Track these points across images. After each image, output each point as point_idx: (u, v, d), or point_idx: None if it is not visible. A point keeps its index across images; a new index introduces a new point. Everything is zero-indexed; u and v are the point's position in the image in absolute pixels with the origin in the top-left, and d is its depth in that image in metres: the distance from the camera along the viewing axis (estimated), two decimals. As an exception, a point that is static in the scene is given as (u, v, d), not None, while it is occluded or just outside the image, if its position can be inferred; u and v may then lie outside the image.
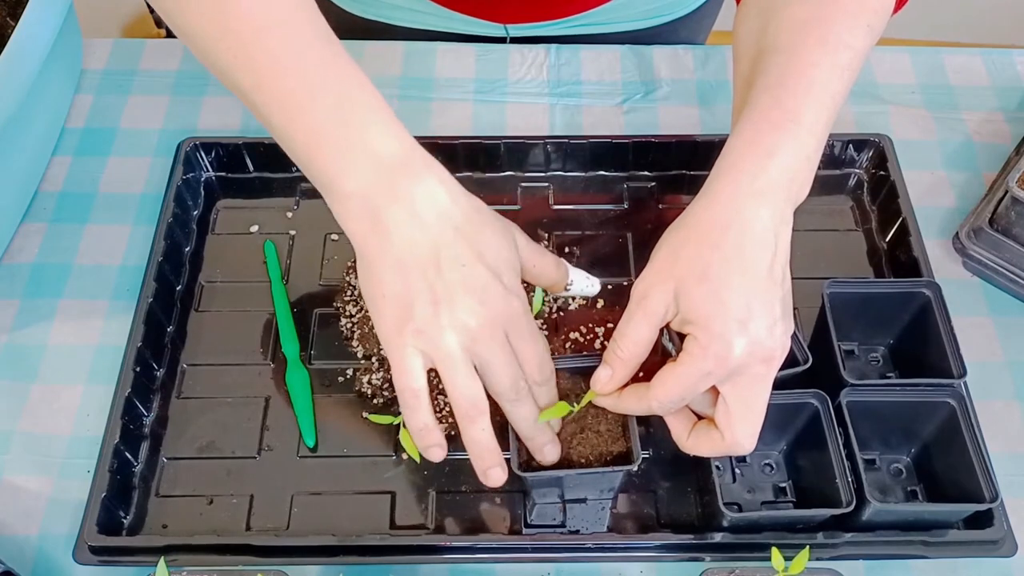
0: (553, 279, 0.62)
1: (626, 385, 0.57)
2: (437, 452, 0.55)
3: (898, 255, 0.75)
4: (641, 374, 0.57)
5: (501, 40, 0.91)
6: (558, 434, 0.60)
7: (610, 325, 0.72)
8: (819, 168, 0.79)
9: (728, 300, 0.51)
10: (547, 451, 0.59)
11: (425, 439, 0.55)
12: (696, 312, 0.52)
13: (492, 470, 0.55)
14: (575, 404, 0.59)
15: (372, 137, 0.52)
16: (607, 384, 0.57)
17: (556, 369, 0.62)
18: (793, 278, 0.74)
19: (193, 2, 0.52)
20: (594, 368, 0.58)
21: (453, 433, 0.67)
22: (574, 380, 0.62)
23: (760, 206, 0.53)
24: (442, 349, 0.52)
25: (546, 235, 0.77)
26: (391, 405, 0.69)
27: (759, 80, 0.56)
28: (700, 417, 0.58)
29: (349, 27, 0.92)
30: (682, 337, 0.54)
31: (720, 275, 0.52)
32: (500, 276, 0.54)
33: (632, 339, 0.55)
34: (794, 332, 0.64)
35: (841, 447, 0.60)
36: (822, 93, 0.55)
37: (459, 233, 0.53)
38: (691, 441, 0.57)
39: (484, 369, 0.53)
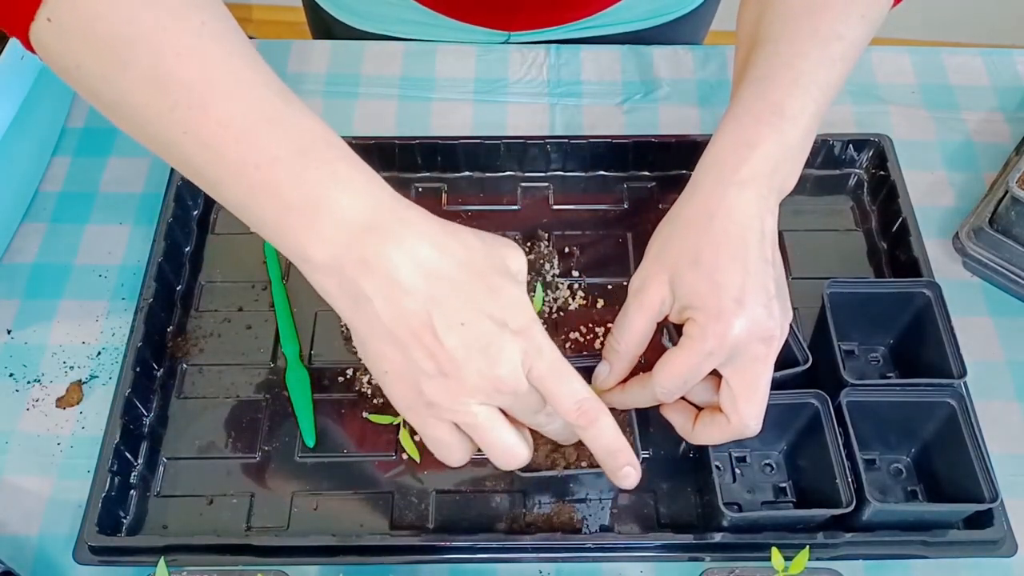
0: None
1: (627, 380, 0.57)
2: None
3: (898, 255, 0.75)
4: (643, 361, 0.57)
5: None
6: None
7: (610, 325, 0.71)
8: (819, 168, 0.81)
9: (722, 281, 0.52)
10: (622, 475, 0.53)
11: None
12: (692, 296, 0.53)
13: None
14: None
15: (334, 199, 0.46)
16: (607, 379, 0.57)
17: None
18: (793, 278, 0.74)
19: (127, 78, 0.45)
20: (594, 368, 0.58)
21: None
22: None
23: (743, 193, 0.53)
24: (462, 418, 0.48)
25: (546, 235, 0.77)
26: (391, 405, 0.69)
27: (748, 72, 0.57)
28: (700, 410, 0.58)
29: (348, 40, 0.91)
30: (679, 330, 0.54)
31: (712, 259, 0.53)
32: (507, 322, 0.48)
33: (629, 332, 0.55)
34: (794, 332, 0.64)
35: (841, 447, 0.60)
36: (810, 84, 0.55)
37: (452, 288, 0.47)
38: (698, 430, 0.57)
39: (516, 417, 0.51)
